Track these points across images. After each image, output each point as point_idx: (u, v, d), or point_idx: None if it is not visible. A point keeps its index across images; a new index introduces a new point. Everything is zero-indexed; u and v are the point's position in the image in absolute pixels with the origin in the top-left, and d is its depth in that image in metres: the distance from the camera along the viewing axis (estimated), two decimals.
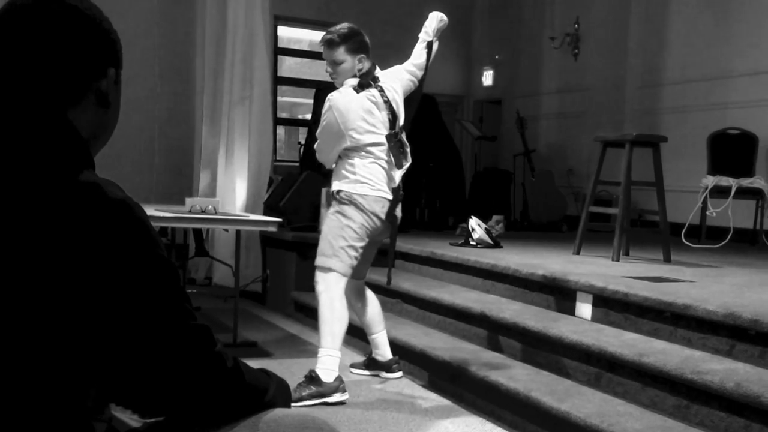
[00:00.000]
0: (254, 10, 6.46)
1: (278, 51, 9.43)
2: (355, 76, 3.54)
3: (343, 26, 3.57)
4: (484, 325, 4.02)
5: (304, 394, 3.39)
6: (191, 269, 6.74)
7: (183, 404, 1.18)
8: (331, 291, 3.47)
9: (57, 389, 1.08)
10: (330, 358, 3.45)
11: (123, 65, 1.26)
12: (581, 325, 3.59)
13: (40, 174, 1.07)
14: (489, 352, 3.88)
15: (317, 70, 10.18)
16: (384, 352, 3.91)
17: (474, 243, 5.39)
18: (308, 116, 9.01)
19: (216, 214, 4.42)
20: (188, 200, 4.52)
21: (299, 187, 6.57)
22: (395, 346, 3.96)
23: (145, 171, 7.59)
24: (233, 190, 6.44)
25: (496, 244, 5.40)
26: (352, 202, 3.52)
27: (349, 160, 3.55)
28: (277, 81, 9.30)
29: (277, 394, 1.32)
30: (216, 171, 6.56)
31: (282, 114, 10.02)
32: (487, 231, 5.50)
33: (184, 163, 7.27)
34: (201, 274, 6.83)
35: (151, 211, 4.17)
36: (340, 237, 3.50)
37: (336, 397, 3.46)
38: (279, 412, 1.28)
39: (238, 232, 4.85)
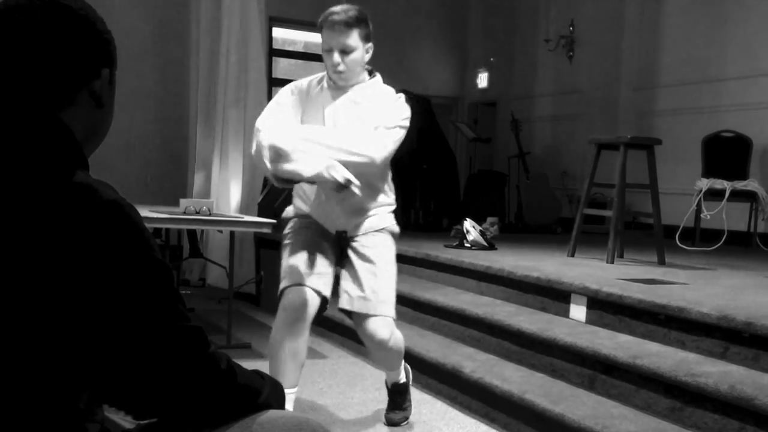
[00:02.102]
0: (249, 12, 6.46)
1: (273, 52, 9.42)
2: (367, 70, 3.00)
3: (350, 7, 2.90)
4: (478, 326, 4.02)
5: (410, 404, 3.35)
6: (185, 270, 6.73)
7: (176, 406, 1.18)
8: (397, 335, 3.04)
9: (50, 390, 1.08)
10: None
11: (117, 66, 1.25)
12: (575, 327, 3.59)
13: (34, 175, 1.07)
14: (483, 353, 3.88)
15: (312, 72, 10.17)
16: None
17: (468, 245, 5.39)
18: None
19: (210, 215, 4.41)
20: (182, 201, 4.51)
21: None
22: None
23: (139, 172, 7.59)
24: (227, 192, 6.43)
25: (490, 246, 5.41)
26: (395, 235, 3.10)
27: (388, 179, 3.06)
28: (272, 82, 9.29)
29: (271, 395, 1.32)
30: (210, 172, 6.56)
31: None
32: (482, 233, 5.50)
33: (179, 164, 7.27)
34: (195, 275, 6.82)
35: (145, 212, 4.16)
36: (395, 281, 3.07)
37: None
38: (272, 413, 1.28)
39: (232, 233, 4.84)
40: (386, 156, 2.87)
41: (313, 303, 2.87)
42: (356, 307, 2.92)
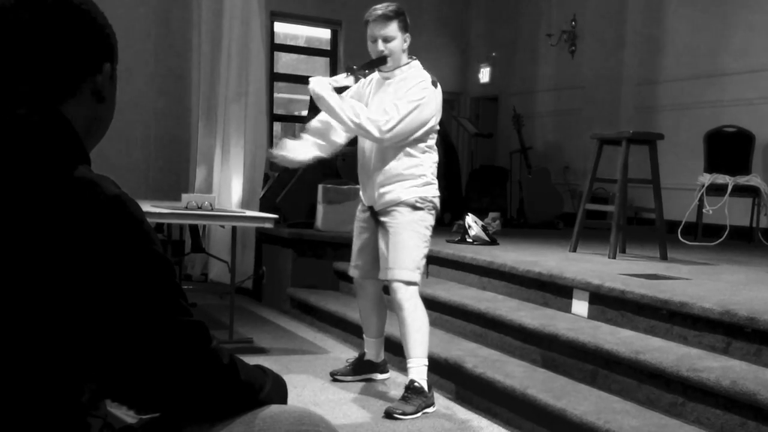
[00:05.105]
0: (250, 6, 6.45)
1: (274, 47, 9.41)
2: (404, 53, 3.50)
3: (390, 3, 3.48)
4: (480, 322, 4.02)
5: (417, 405, 3.34)
6: (187, 265, 6.73)
7: (178, 400, 1.18)
8: (416, 302, 3.41)
9: (52, 385, 1.08)
10: (425, 368, 3.42)
11: (118, 60, 1.25)
12: (577, 322, 3.59)
13: (35, 170, 1.07)
14: (485, 349, 3.88)
15: (314, 66, 10.18)
16: (381, 354, 3.92)
17: (470, 240, 5.39)
18: (304, 112, 9.00)
19: (212, 210, 4.41)
20: (184, 196, 4.51)
21: (296, 184, 6.56)
22: (392, 343, 3.96)
23: (141, 167, 7.58)
24: (229, 187, 6.43)
25: (492, 241, 5.40)
26: (430, 208, 3.49)
27: (416, 158, 3.48)
28: (274, 77, 9.29)
29: (273, 390, 1.32)
30: (212, 167, 6.55)
31: (278, 110, 10.00)
32: (484, 228, 5.50)
33: (180, 159, 7.25)
34: (197, 270, 6.81)
35: (147, 207, 4.16)
36: (422, 248, 3.44)
37: (433, 407, 3.43)
38: (275, 408, 1.28)
39: (234, 228, 4.84)
40: (391, 132, 3.32)
41: (364, 284, 3.71)
42: (381, 276, 3.50)
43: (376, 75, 3.58)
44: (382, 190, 3.46)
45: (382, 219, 3.48)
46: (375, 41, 3.44)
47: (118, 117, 1.31)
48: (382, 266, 3.48)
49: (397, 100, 3.36)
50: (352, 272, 3.74)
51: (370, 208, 3.57)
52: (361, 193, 3.66)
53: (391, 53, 3.44)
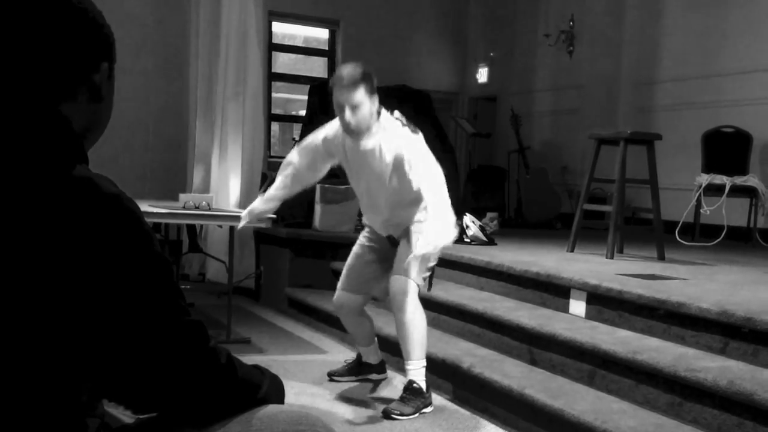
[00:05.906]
0: (248, 6, 6.46)
1: (272, 47, 9.41)
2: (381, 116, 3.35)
3: (355, 65, 3.28)
4: (478, 322, 4.02)
5: (415, 406, 3.34)
6: (185, 265, 6.73)
7: (176, 400, 1.18)
8: (416, 304, 3.42)
9: (50, 385, 1.07)
10: (424, 369, 3.43)
11: (116, 60, 1.25)
12: (575, 322, 3.59)
13: (33, 169, 1.06)
14: (482, 349, 3.88)
15: (312, 66, 10.19)
16: (378, 355, 3.92)
17: (468, 240, 5.39)
18: (302, 112, 9.00)
19: (209, 210, 4.41)
20: (182, 196, 4.51)
21: None
22: (389, 343, 3.96)
23: (138, 166, 7.58)
24: (227, 186, 6.44)
25: (490, 242, 5.41)
26: None
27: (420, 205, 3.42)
28: (272, 77, 9.28)
29: (271, 390, 1.32)
30: (210, 167, 6.55)
31: (276, 110, 9.99)
32: (482, 228, 5.50)
33: (178, 159, 7.26)
34: (194, 270, 6.82)
35: (144, 206, 4.16)
36: (431, 258, 3.46)
37: (431, 407, 3.45)
38: (272, 408, 1.28)
39: (231, 228, 4.84)
40: (444, 186, 3.26)
41: (349, 302, 3.65)
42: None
43: (348, 140, 3.40)
44: (392, 223, 3.52)
45: (399, 238, 3.53)
46: (342, 109, 3.25)
47: (115, 116, 1.31)
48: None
49: (410, 164, 3.26)
50: (342, 287, 3.66)
51: (389, 237, 3.60)
52: (367, 221, 3.70)
53: (359, 122, 3.25)
